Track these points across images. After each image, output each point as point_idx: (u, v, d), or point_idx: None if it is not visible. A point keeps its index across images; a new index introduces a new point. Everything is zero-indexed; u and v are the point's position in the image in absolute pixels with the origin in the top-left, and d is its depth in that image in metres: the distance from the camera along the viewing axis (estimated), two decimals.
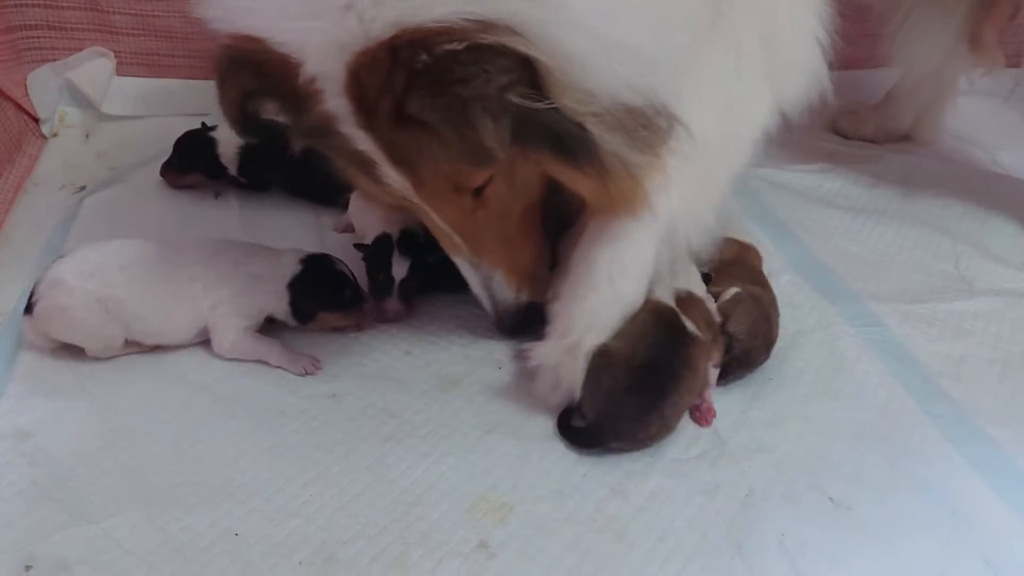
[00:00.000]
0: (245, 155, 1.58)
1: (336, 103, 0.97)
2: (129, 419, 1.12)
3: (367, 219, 1.37)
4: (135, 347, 1.22)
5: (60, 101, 1.87)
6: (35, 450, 1.07)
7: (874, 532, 0.99)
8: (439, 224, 1.11)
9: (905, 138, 1.97)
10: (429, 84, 0.90)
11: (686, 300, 1.17)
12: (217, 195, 1.63)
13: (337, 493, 1.03)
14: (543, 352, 1.15)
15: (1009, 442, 1.12)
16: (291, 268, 1.21)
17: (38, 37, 1.85)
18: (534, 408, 1.16)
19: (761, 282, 1.31)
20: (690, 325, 1.13)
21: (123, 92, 1.90)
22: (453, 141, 0.94)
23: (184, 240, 1.31)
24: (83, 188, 1.65)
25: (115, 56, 1.89)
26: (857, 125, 1.99)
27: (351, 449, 1.09)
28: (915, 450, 1.10)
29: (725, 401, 1.17)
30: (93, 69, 1.87)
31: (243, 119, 1.06)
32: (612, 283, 1.13)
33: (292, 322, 1.24)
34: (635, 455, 1.09)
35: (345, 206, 1.49)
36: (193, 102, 1.89)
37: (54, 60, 1.86)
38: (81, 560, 0.94)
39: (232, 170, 1.60)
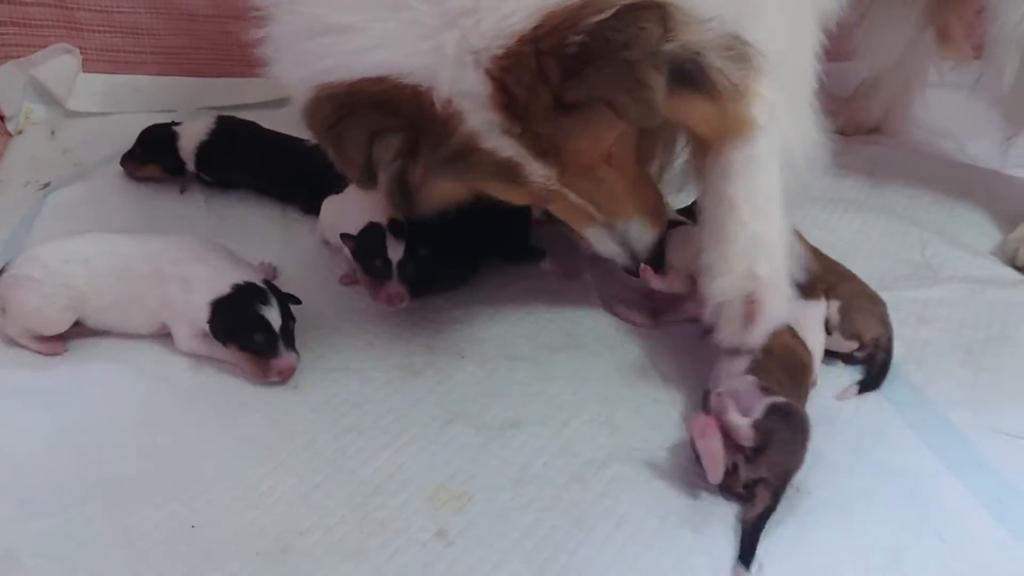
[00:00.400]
0: (203, 152, 1.57)
1: (479, 117, 0.95)
2: (86, 413, 1.11)
3: (350, 215, 1.32)
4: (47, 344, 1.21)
5: (26, 98, 1.85)
6: None
7: (833, 514, 1.00)
8: (575, 202, 1.09)
9: (875, 130, 1.98)
10: (590, 62, 0.89)
11: None
12: (182, 191, 1.62)
13: (296, 484, 1.03)
14: (720, 286, 1.10)
15: (968, 426, 1.13)
16: (223, 286, 1.16)
17: (3, 34, 1.83)
18: (495, 397, 1.16)
19: (841, 272, 1.30)
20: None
21: (88, 89, 1.88)
22: (628, 107, 0.93)
23: (153, 235, 1.31)
24: (47, 185, 1.64)
25: (80, 53, 1.88)
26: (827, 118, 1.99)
27: (311, 440, 1.09)
28: (876, 434, 1.11)
29: (685, 387, 1.18)
30: (58, 66, 1.86)
31: (368, 164, 1.00)
32: (757, 215, 1.11)
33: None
34: (597, 444, 1.09)
35: (305, 204, 1.48)
36: (159, 98, 1.90)
37: (19, 57, 1.85)
38: (33, 554, 0.93)
39: (190, 166, 1.59)
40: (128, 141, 1.74)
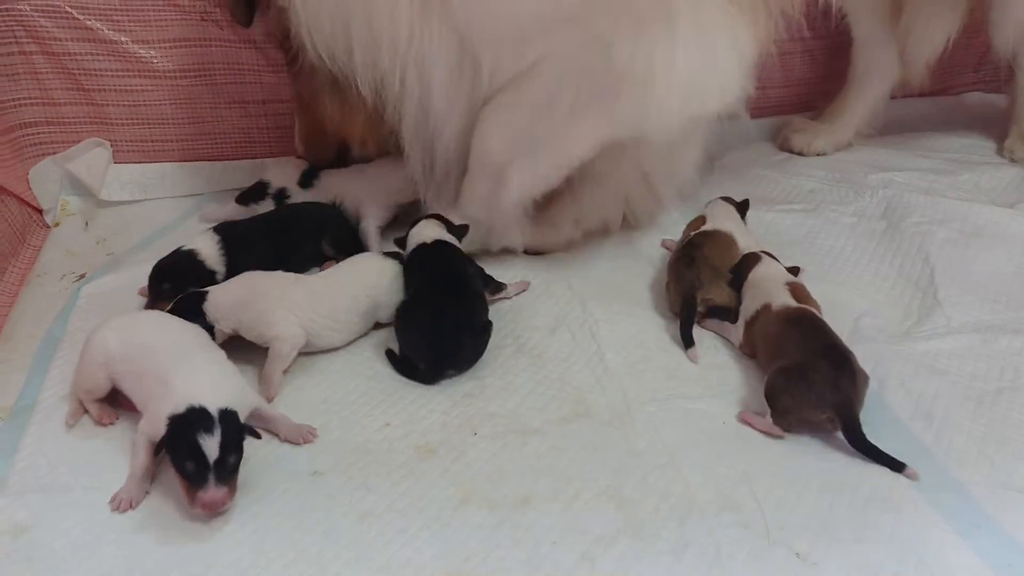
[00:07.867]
0: (229, 250, 1.57)
1: None
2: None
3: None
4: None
5: (62, 191, 1.94)
6: (31, 545, 1.11)
7: None
8: None
9: (850, 144, 2.20)
10: None
11: None
12: None
13: (315, 573, 1.06)
14: None
15: (977, 484, 1.13)
16: (183, 401, 1.14)
17: (37, 133, 1.93)
18: (506, 474, 1.19)
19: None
20: None
21: (120, 179, 1.97)
22: None
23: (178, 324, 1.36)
24: (83, 276, 1.71)
25: (111, 145, 1.97)
26: (809, 141, 2.19)
27: (330, 528, 1.12)
28: (882, 499, 1.12)
29: (694, 455, 1.20)
30: (91, 159, 1.95)
31: None
32: None
33: None
34: (606, 519, 1.11)
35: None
36: (185, 183, 2.00)
37: (55, 153, 1.94)
38: None
39: (221, 270, 1.57)
40: (157, 226, 1.86)
